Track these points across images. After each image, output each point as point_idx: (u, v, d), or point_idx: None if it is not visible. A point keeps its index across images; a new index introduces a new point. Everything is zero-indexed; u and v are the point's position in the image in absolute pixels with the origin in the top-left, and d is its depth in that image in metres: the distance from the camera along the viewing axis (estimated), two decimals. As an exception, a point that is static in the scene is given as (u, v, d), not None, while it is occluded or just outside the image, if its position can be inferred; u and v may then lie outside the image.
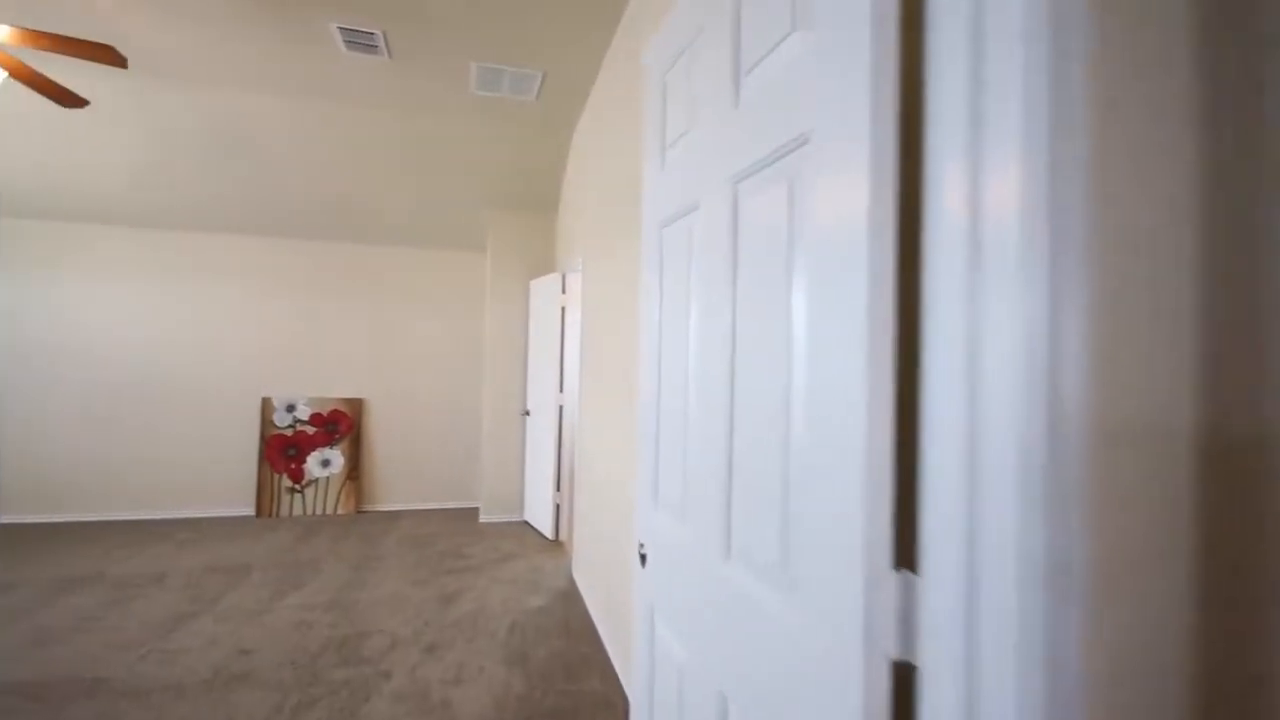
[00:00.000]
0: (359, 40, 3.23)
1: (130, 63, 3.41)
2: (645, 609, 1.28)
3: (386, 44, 3.26)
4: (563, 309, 4.64)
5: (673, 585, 1.15)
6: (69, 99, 2.79)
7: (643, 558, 1.34)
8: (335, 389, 5.43)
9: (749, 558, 0.88)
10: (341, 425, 5.40)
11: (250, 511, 5.21)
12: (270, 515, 5.19)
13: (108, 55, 2.39)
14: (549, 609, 3.31)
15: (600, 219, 3.33)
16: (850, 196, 0.68)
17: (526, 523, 5.12)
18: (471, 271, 5.74)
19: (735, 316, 0.95)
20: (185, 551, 4.16)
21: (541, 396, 4.86)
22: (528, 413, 5.14)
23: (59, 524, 4.72)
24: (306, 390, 5.37)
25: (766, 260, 0.87)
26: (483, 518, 5.16)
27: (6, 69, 2.46)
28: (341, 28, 3.11)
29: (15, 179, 4.38)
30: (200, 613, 3.15)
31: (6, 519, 4.73)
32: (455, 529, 4.90)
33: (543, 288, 4.93)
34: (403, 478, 5.56)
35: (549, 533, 4.62)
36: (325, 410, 5.38)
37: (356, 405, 5.46)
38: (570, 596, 3.49)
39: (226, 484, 5.17)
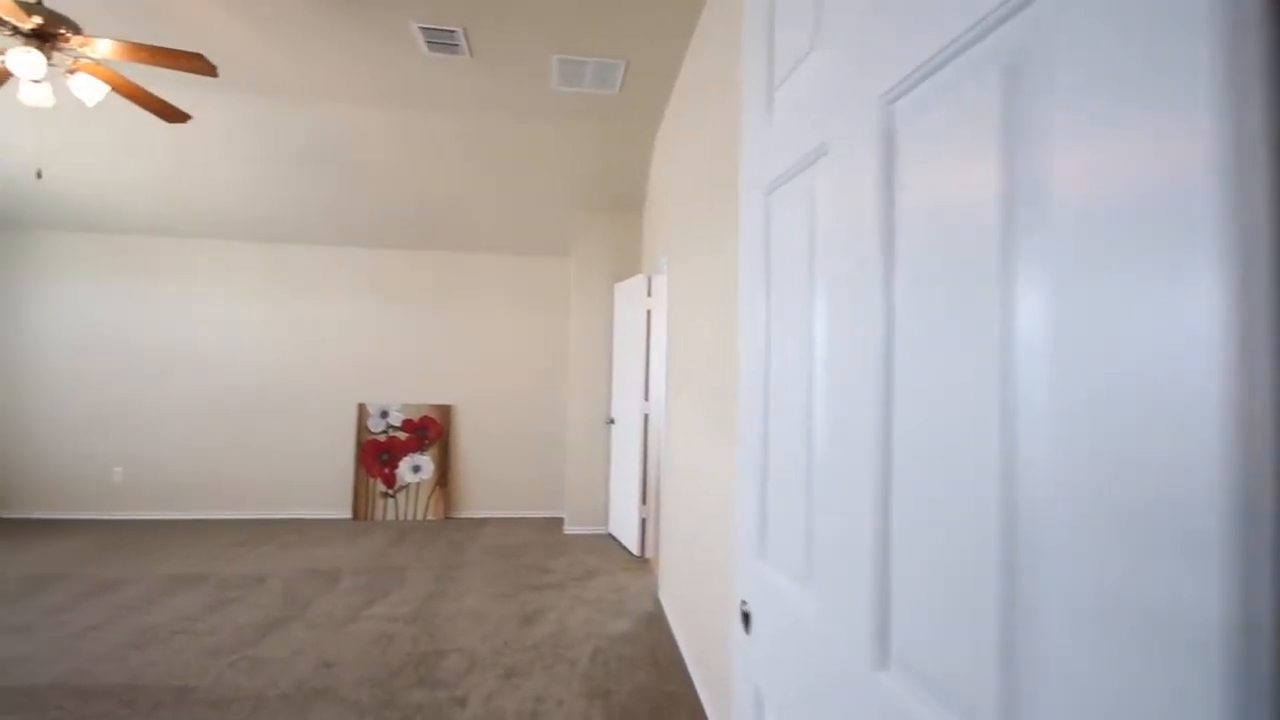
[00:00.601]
0: (440, 40, 3.15)
1: (230, 80, 3.54)
2: (750, 691, 0.99)
3: (467, 41, 3.17)
4: (648, 312, 4.41)
5: (789, 670, 0.85)
6: (172, 114, 2.87)
7: (745, 617, 1.05)
8: (426, 395, 5.50)
9: (922, 672, 0.58)
10: (431, 431, 5.45)
11: (348, 514, 5.35)
12: (365, 518, 5.30)
13: (198, 63, 2.41)
14: (634, 636, 3.06)
15: (686, 214, 3.06)
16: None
17: (611, 536, 4.92)
18: (556, 276, 5.64)
19: (892, 311, 0.65)
20: (286, 553, 4.28)
21: (626, 405, 4.65)
22: (612, 421, 4.94)
23: (176, 521, 5.03)
24: (399, 397, 5.47)
25: (959, 221, 0.56)
26: (567, 529, 5.01)
27: (110, 84, 2.55)
28: (422, 27, 3.05)
29: (131, 198, 4.73)
30: (292, 619, 3.16)
31: (127, 515, 5.11)
32: (539, 540, 4.78)
33: (627, 291, 4.73)
34: (489, 485, 5.53)
35: (634, 548, 4.38)
36: (416, 417, 5.45)
37: (445, 412, 5.49)
38: (657, 622, 3.23)
39: (326, 487, 5.34)
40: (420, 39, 3.15)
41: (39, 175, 2.55)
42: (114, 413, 5.13)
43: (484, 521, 5.32)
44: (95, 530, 4.71)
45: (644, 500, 4.37)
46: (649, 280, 4.40)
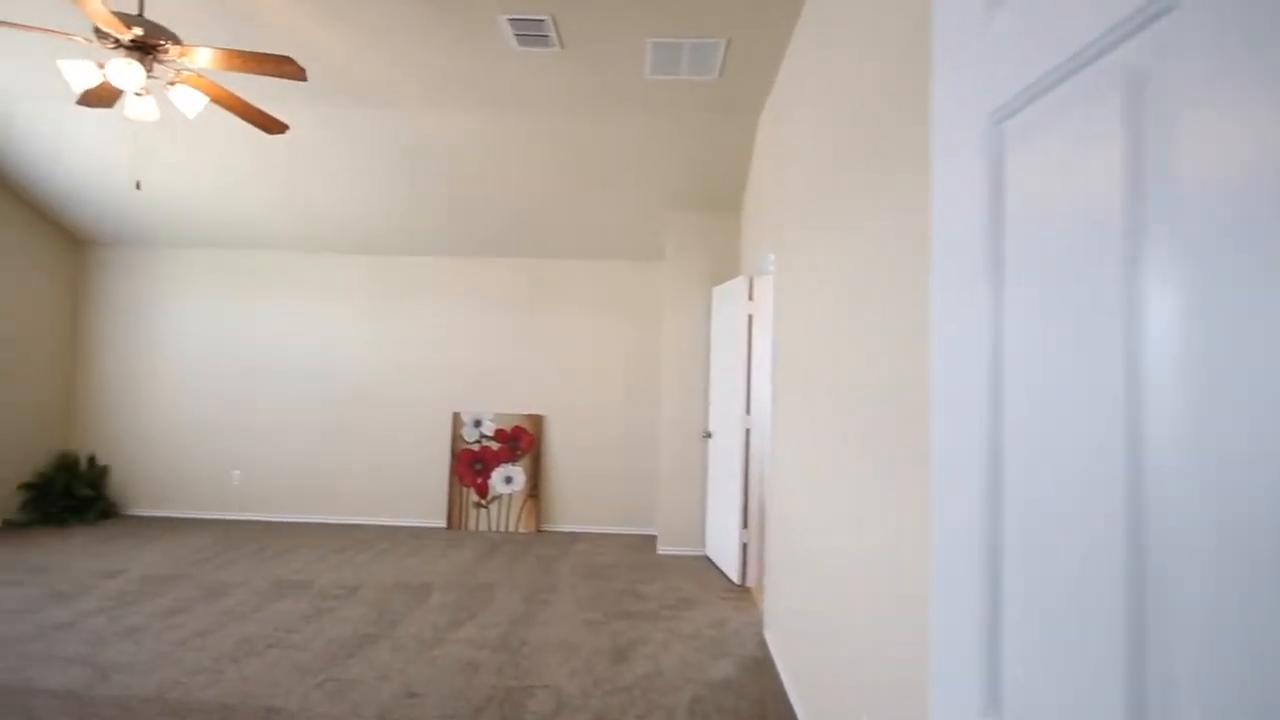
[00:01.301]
0: (529, 32, 2.98)
1: (326, 93, 3.55)
2: None
3: (557, 31, 2.97)
4: (749, 317, 4.04)
5: None
6: (271, 124, 2.87)
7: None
8: (518, 405, 5.41)
9: None
10: (523, 442, 5.35)
11: (442, 523, 5.34)
12: (459, 528, 5.27)
13: (288, 67, 2.34)
14: (737, 683, 2.70)
15: (804, 197, 2.68)
16: None
17: (708, 559, 4.56)
18: (650, 281, 5.39)
19: None
20: (381, 562, 4.27)
21: (725, 418, 4.29)
22: (709, 435, 4.60)
23: (287, 524, 5.21)
24: (492, 406, 5.41)
25: None
26: (660, 548, 4.72)
27: (210, 95, 2.55)
28: (511, 19, 2.88)
29: (244, 216, 4.95)
30: (380, 637, 3.07)
31: (244, 516, 5.35)
32: (631, 560, 4.51)
33: (726, 295, 4.38)
34: (580, 498, 5.34)
35: (734, 575, 4.01)
36: (509, 426, 5.36)
37: (537, 422, 5.38)
38: (763, 668, 2.85)
39: (423, 496, 5.37)
40: (510, 33, 2.99)
41: (138, 186, 2.60)
42: (233, 419, 5.41)
43: (574, 537, 5.13)
44: (215, 530, 4.96)
45: (745, 524, 3.99)
46: (750, 282, 4.03)
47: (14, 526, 4.79)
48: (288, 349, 5.44)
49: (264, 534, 4.90)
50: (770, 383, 3.19)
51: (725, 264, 4.76)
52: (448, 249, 5.35)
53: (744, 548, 3.99)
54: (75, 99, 2.63)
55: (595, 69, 3.29)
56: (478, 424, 5.37)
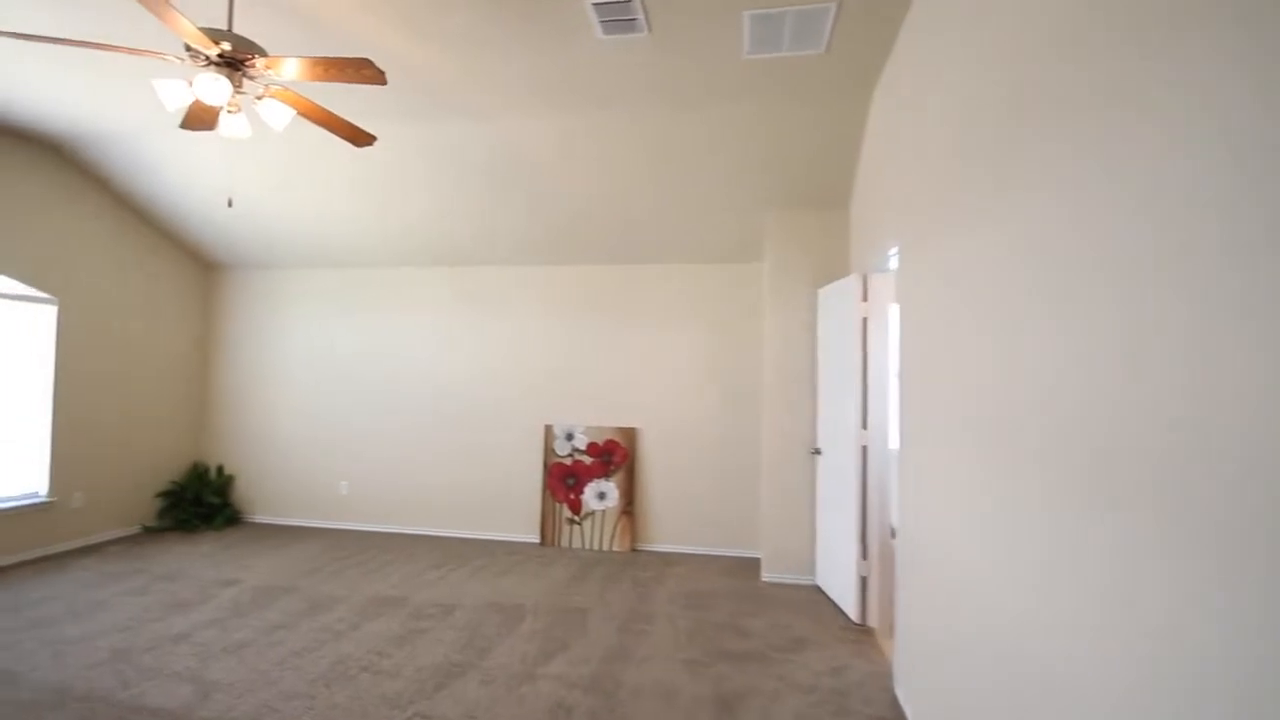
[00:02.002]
0: (615, 17, 2.75)
1: (411, 106, 3.51)
2: None
3: (645, 13, 2.72)
4: (864, 320, 3.58)
5: None
6: (360, 136, 2.81)
7: None
8: (610, 417, 5.20)
9: None
10: (616, 456, 5.13)
11: (535, 539, 5.22)
12: (552, 544, 5.13)
13: (367, 70, 2.23)
14: (868, 753, 2.28)
15: (943, 176, 2.26)
16: None
17: (820, 590, 4.11)
18: (747, 284, 5.02)
19: None
20: (475, 580, 4.18)
21: (835, 432, 3.85)
22: (818, 452, 4.16)
23: (390, 534, 5.29)
24: (583, 418, 5.24)
25: None
26: (765, 574, 4.31)
27: (297, 109, 2.51)
28: (596, 3, 2.66)
29: (348, 237, 5.09)
30: (469, 667, 2.91)
31: (352, 526, 5.48)
32: (733, 588, 4.14)
33: (835, 296, 3.94)
34: (677, 516, 5.04)
35: (852, 612, 3.54)
36: (601, 440, 5.17)
37: (630, 435, 5.14)
38: (897, 733, 2.41)
39: (517, 511, 5.28)
40: (594, 20, 2.77)
41: (230, 204, 2.61)
42: (340, 431, 5.59)
43: (671, 558, 4.83)
44: (325, 540, 5.11)
45: (864, 554, 3.52)
46: (864, 281, 3.58)
47: (152, 532, 5.17)
48: (389, 363, 5.56)
49: (368, 545, 4.98)
50: (900, 394, 2.74)
51: (831, 263, 4.31)
52: (538, 258, 5.26)
53: (863, 581, 3.52)
54: (179, 123, 2.68)
55: (686, 52, 3.01)
56: (569, 437, 5.22)
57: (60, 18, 2.79)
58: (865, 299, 3.57)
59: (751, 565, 4.64)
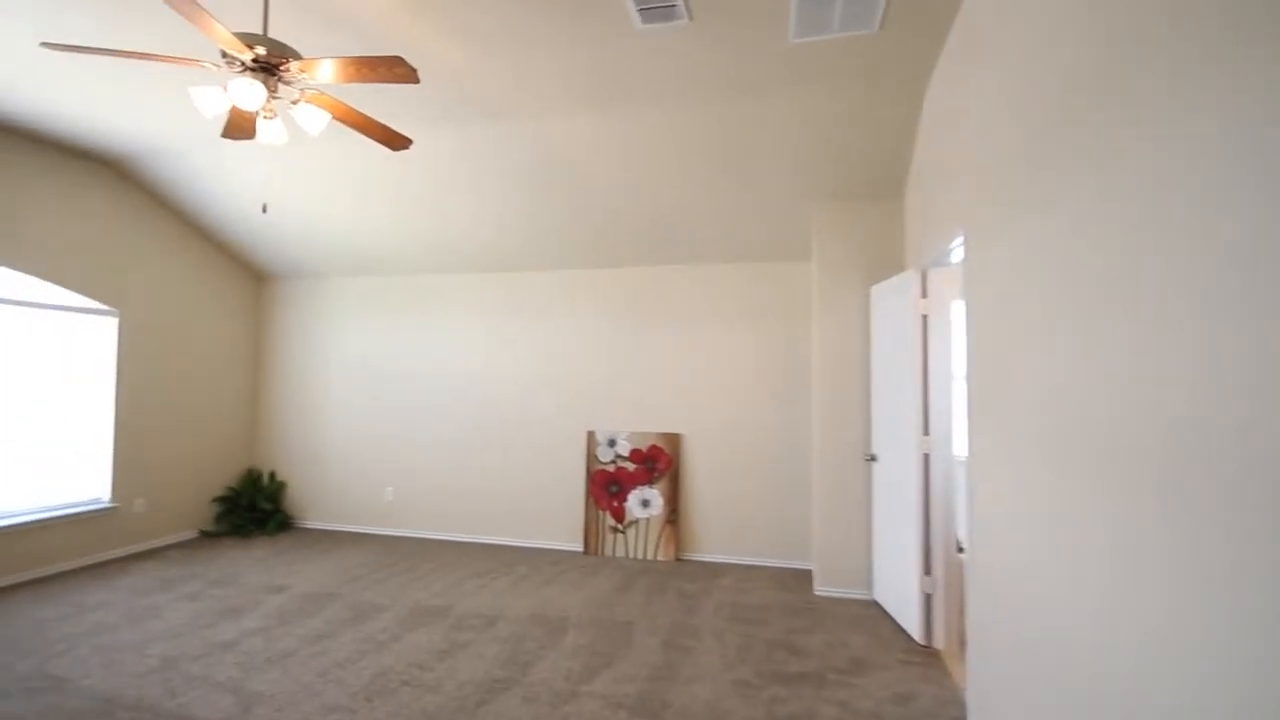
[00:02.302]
0: (654, 4, 2.62)
1: (446, 109, 3.46)
2: None
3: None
4: (923, 318, 3.35)
5: None
6: (396, 139, 2.77)
7: None
8: (653, 423, 5.07)
9: None
10: (660, 462, 4.99)
11: (579, 547, 5.12)
12: (595, 553, 5.02)
13: (399, 68, 2.16)
14: (942, 793, 2.07)
15: (1013, 153, 2.05)
16: None
17: (878, 606, 3.86)
18: (794, 283, 4.81)
19: None
20: (518, 590, 4.10)
21: (893, 438, 3.61)
22: (873, 458, 3.92)
23: (434, 541, 5.27)
24: (626, 424, 5.12)
25: None
26: (818, 587, 4.10)
27: (333, 113, 2.47)
28: (633, -10, 2.54)
29: (391, 246, 5.11)
30: (511, 684, 2.81)
31: (397, 532, 5.50)
32: (784, 601, 3.94)
33: (889, 293, 3.71)
34: (723, 525, 4.86)
35: (916, 631, 3.30)
36: (644, 446, 5.04)
37: (674, 441, 5.00)
38: (974, 771, 2.18)
39: (560, 518, 5.20)
40: (633, 10, 2.65)
41: (264, 210, 2.59)
42: (385, 438, 5.63)
43: (718, 569, 4.65)
44: (372, 546, 5.13)
45: (928, 570, 3.28)
46: (923, 276, 3.35)
47: (209, 537, 5.29)
48: (430, 370, 5.57)
49: (413, 552, 4.97)
50: (968, 398, 2.51)
51: (884, 258, 4.07)
52: (578, 261, 5.18)
53: (927, 599, 3.27)
54: (221, 133, 2.69)
55: (729, 39, 2.86)
56: (612, 443, 5.10)
57: (105, 31, 2.83)
58: (924, 295, 3.34)
59: (803, 577, 4.42)
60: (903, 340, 3.48)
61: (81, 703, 2.55)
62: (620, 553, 4.97)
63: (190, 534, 5.27)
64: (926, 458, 3.32)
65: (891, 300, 3.67)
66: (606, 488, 5.07)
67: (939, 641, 3.22)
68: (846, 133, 3.54)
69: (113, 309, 4.67)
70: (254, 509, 5.58)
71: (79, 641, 3.15)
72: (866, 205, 4.12)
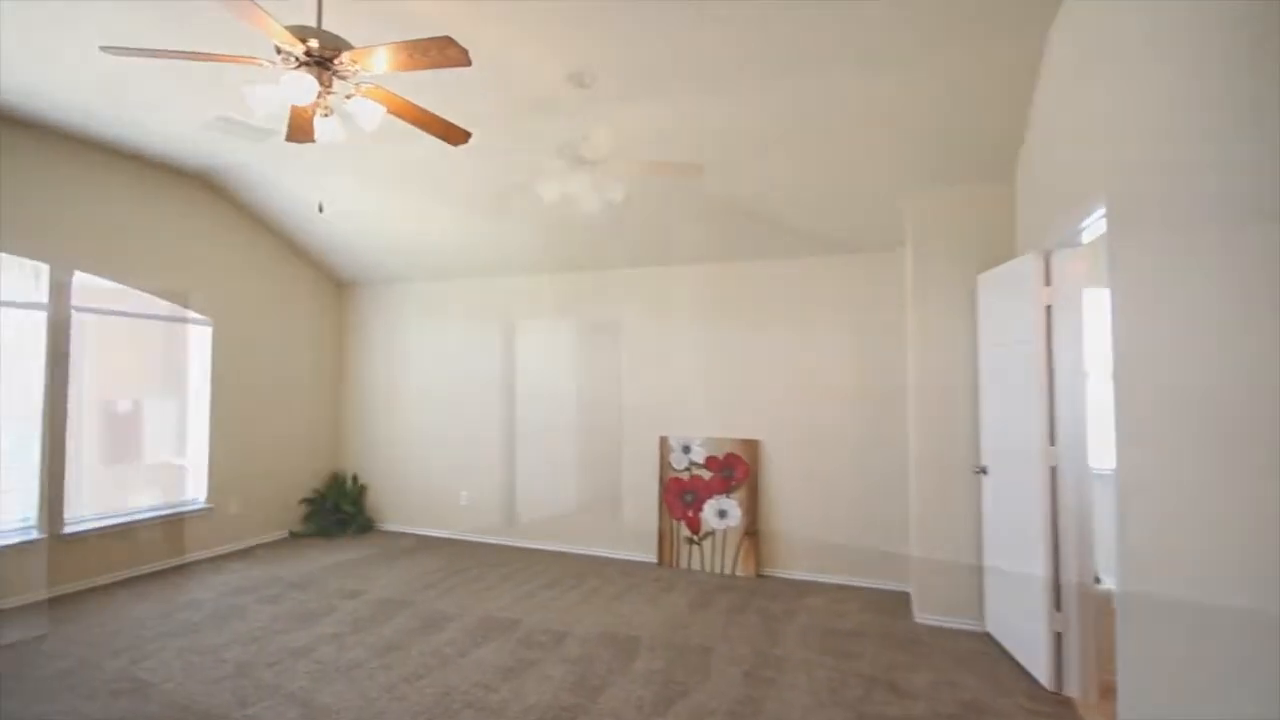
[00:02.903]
0: (726, -35, 2.35)
1: (512, 101, 3.32)
2: None
3: (761, -45, 2.30)
4: (1047, 309, 2.88)
5: None
6: (454, 133, 2.64)
7: None
8: (730, 429, 4.76)
9: None
10: (738, 471, 4.68)
11: (653, 559, 4.89)
12: (670, 565, 4.77)
13: (451, 50, 2.01)
14: None
15: (1194, 84, 1.63)
16: None
17: (992, 640, 3.39)
18: (884, 275, 4.38)
19: None
20: (589, 605, 3.91)
21: (1008, 448, 3.15)
22: (983, 470, 3.45)
23: (506, 547, 5.19)
24: (701, 430, 4.85)
25: None
26: (918, 615, 3.66)
27: (388, 106, 2.36)
28: (703, -49, 2.28)
29: (463, 249, 5.08)
30: (579, 711, 2.61)
31: (471, 537, 5.46)
32: (880, 628, 3.54)
33: (1003, 282, 3.24)
34: (808, 539, 4.49)
35: (1043, 675, 2.83)
36: (720, 453, 4.74)
37: (753, 448, 4.67)
38: None
39: (632, 528, 4.99)
40: (701, -26, 2.40)
41: (320, 209, 2.53)
42: (460, 442, 5.63)
43: (803, 587, 4.28)
44: (446, 551, 5.11)
45: (1058, 604, 2.80)
46: (1046, 260, 2.88)
47: (296, 537, 5.46)
48: (501, 373, 5.52)
49: (484, 558, 4.91)
50: (1116, 401, 2.07)
51: (991, 243, 3.59)
52: (650, 258, 4.96)
53: (1057, 637, 2.79)
54: (285, 137, 2.66)
55: (811, 4, 2.54)
56: (686, 450, 4.84)
57: (165, 34, 2.84)
58: (1048, 283, 2.87)
59: (900, 601, 3.98)
60: (1021, 335, 3.01)
61: (156, 709, 2.56)
62: (696, 565, 4.69)
63: (281, 534, 5.46)
64: (1054, 471, 2.85)
65: (1005, 290, 3.21)
66: (681, 496, 4.82)
67: (1073, 689, 2.73)
68: (948, 102, 3.11)
69: (207, 319, 4.89)
70: (338, 511, 5.72)
71: (165, 643, 3.23)
72: (968, 186, 3.65)
